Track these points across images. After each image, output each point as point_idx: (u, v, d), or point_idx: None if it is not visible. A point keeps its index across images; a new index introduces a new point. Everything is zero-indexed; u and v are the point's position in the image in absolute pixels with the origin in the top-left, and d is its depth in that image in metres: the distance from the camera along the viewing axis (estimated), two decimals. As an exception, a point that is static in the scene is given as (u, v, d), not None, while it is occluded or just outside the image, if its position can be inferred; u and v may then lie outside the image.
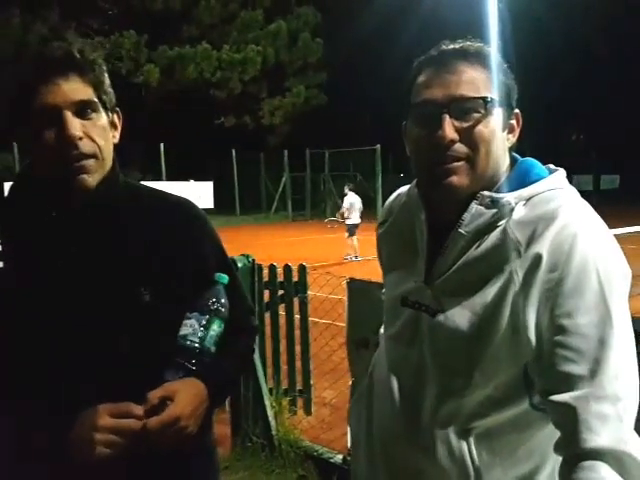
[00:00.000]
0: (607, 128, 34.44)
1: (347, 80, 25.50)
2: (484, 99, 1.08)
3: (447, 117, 1.08)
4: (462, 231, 1.11)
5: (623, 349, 0.99)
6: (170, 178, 20.03)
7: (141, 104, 21.04)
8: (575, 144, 34.78)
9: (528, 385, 1.08)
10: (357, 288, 2.70)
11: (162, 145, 19.45)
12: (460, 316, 1.10)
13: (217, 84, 22.35)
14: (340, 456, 3.17)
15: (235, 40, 22.51)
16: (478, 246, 1.10)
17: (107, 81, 1.20)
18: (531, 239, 1.03)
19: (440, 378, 1.14)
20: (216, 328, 1.22)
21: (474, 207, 1.10)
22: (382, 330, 1.52)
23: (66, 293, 1.16)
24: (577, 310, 0.99)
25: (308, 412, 3.64)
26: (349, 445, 2.68)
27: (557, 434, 1.05)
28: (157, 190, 1.37)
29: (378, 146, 21.87)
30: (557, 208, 1.05)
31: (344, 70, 24.88)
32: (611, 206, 23.04)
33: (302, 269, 3.48)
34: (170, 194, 1.35)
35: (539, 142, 29.50)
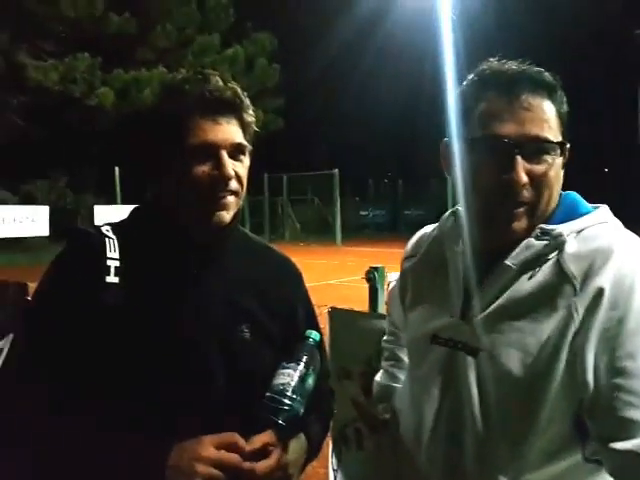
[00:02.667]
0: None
1: (304, 105, 25.76)
2: (560, 143, 1.05)
3: (519, 158, 1.02)
4: (509, 263, 1.05)
5: None
6: (126, 202, 19.72)
7: (94, 127, 20.73)
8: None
9: (582, 435, 1.02)
10: (339, 318, 2.62)
11: (117, 169, 19.13)
12: (509, 356, 1.02)
13: (174, 108, 22.01)
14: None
15: (192, 64, 22.45)
16: (527, 279, 1.04)
17: (253, 126, 1.26)
18: (588, 273, 0.99)
19: (486, 424, 1.05)
20: (310, 383, 1.19)
21: (525, 240, 1.06)
22: (385, 363, 1.47)
23: (174, 320, 1.17)
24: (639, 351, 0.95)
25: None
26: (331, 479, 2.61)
27: None
28: (265, 242, 1.47)
29: (336, 170, 22.03)
30: (612, 242, 1.01)
31: (301, 96, 25.15)
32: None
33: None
34: (275, 249, 1.45)
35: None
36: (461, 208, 1.17)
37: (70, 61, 20.45)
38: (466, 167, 1.09)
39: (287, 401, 1.14)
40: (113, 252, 1.18)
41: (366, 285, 2.53)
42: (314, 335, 1.26)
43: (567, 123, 1.08)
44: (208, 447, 1.05)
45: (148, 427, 1.08)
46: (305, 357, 1.21)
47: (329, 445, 2.66)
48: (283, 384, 1.15)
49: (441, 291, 1.17)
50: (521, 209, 1.04)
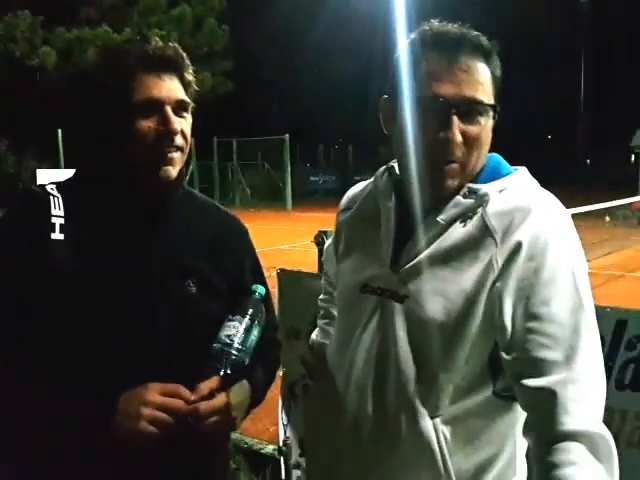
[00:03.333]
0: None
1: (255, 69, 25.33)
2: (493, 107, 1.11)
3: (455, 118, 1.08)
4: (438, 219, 1.13)
5: (593, 337, 1.04)
6: (69, 166, 19.16)
7: (36, 88, 19.96)
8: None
9: (493, 373, 1.11)
10: (288, 278, 2.70)
11: (59, 131, 18.52)
12: (433, 302, 1.10)
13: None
14: (271, 447, 3.14)
15: (137, 23, 21.79)
16: (452, 233, 1.12)
17: (194, 85, 1.29)
18: (508, 229, 1.07)
19: (407, 365, 1.13)
20: (256, 334, 1.25)
21: (455, 198, 1.12)
22: (320, 321, 1.55)
23: (119, 274, 1.21)
24: (552, 299, 1.03)
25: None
26: (281, 437, 2.70)
27: (514, 421, 1.12)
28: (211, 200, 1.51)
29: (286, 136, 21.90)
30: (530, 201, 1.09)
31: (251, 58, 24.69)
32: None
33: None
34: (221, 207, 1.49)
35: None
36: (396, 164, 1.24)
37: (10, 19, 19.67)
38: (404, 124, 1.13)
39: (232, 351, 1.20)
40: (58, 210, 1.21)
41: (316, 249, 2.58)
42: (260, 289, 1.32)
43: (499, 87, 1.14)
44: (153, 393, 1.11)
45: (97, 379, 1.13)
46: (251, 310, 1.26)
47: (279, 402, 2.74)
48: (229, 335, 1.22)
49: (373, 243, 1.23)
50: (453, 166, 1.10)
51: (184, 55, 1.26)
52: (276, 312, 2.74)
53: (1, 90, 19.37)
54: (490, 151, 1.18)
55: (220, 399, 1.17)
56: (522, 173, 1.19)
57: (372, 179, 1.33)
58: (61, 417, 1.12)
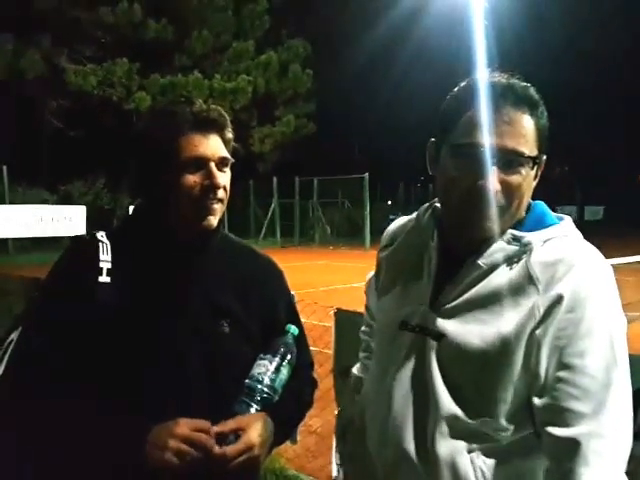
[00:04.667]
0: (591, 160, 34.95)
1: (336, 111, 25.80)
2: (533, 158, 1.13)
3: (495, 169, 1.10)
4: (480, 262, 1.15)
5: (624, 392, 1.06)
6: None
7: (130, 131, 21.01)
8: (560, 175, 35.25)
9: (533, 415, 1.11)
10: (344, 318, 2.75)
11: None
12: (470, 343, 1.12)
13: (208, 112, 22.10)
14: (325, 485, 3.11)
15: (226, 70, 22.61)
16: (494, 278, 1.14)
17: (233, 142, 1.42)
18: (551, 279, 1.09)
19: (444, 403, 1.14)
20: (285, 373, 1.32)
21: (498, 242, 1.15)
22: (361, 354, 1.57)
23: (157, 313, 1.31)
24: (587, 352, 1.05)
25: (294, 440, 3.62)
26: (334, 474, 2.70)
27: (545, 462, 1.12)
28: (248, 245, 1.61)
29: (366, 174, 22.03)
30: (574, 254, 1.12)
31: (333, 101, 25.17)
32: (595, 237, 23.15)
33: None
34: (258, 251, 1.59)
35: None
36: (439, 205, 1.27)
37: (109, 66, 20.81)
38: (447, 169, 1.16)
39: (262, 388, 1.27)
40: (105, 255, 1.33)
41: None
42: (292, 329, 1.40)
43: (545, 137, 1.16)
44: (182, 427, 1.18)
45: (132, 411, 1.21)
46: (282, 349, 1.34)
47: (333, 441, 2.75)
48: (259, 373, 1.29)
49: (413, 281, 1.25)
50: (492, 211, 1.13)
51: (226, 115, 1.38)
52: (332, 351, 2.77)
53: (99, 131, 20.68)
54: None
55: (244, 440, 1.22)
56: (567, 224, 1.20)
57: (414, 215, 1.36)
58: (94, 446, 1.20)
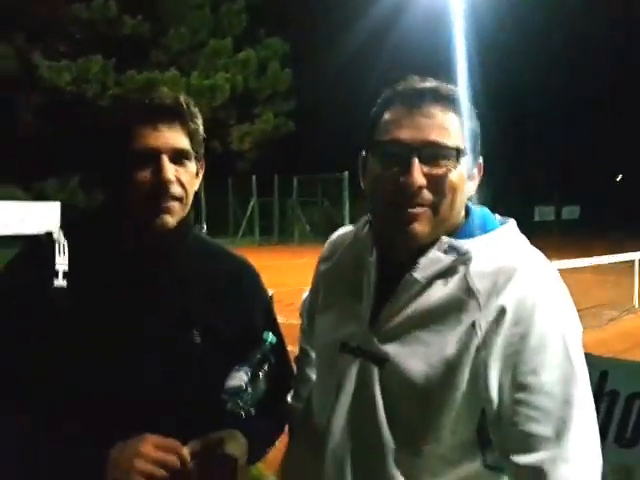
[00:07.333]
0: (569, 161, 35.36)
1: (315, 109, 25.73)
2: (457, 149, 1.06)
3: (416, 161, 1.04)
4: (417, 276, 1.06)
5: (587, 407, 0.98)
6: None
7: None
8: (538, 176, 35.65)
9: (483, 444, 1.04)
10: None
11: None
12: (414, 368, 1.04)
13: (185, 110, 22.03)
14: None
15: (204, 67, 22.53)
16: (433, 292, 1.06)
17: (201, 133, 1.29)
18: (492, 291, 1.01)
19: (389, 433, 1.06)
20: (262, 386, 1.22)
21: (432, 252, 1.07)
22: (295, 384, 1.46)
23: (122, 324, 1.20)
24: (542, 367, 0.97)
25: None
26: None
27: None
28: (222, 246, 1.48)
29: (346, 173, 22.04)
30: (516, 260, 1.04)
31: (312, 99, 25.11)
32: (572, 236, 23.42)
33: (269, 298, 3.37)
34: (233, 253, 1.46)
35: (503, 174, 30.13)
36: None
37: (83, 62, 20.56)
38: (369, 173, 1.12)
39: (237, 402, 1.17)
40: (62, 256, 1.22)
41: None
42: (270, 338, 1.28)
43: (474, 140, 1.11)
44: (149, 445, 1.09)
45: (92, 426, 1.12)
46: (258, 359, 1.23)
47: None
48: (234, 387, 1.18)
49: (352, 298, 1.16)
50: (421, 209, 1.05)
51: (188, 104, 1.25)
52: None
53: (73, 129, 20.38)
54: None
55: (216, 457, 1.14)
56: (508, 228, 1.12)
57: (353, 228, 1.29)
58: (51, 463, 1.11)
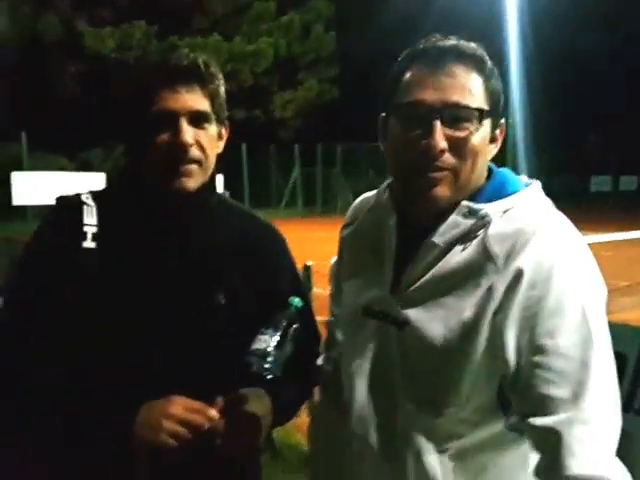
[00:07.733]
0: (627, 128, 33.96)
1: (361, 75, 25.21)
2: (480, 110, 1.06)
3: (438, 124, 1.04)
4: (436, 241, 1.08)
5: (605, 370, 0.98)
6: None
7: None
8: (594, 144, 34.37)
9: (504, 406, 1.06)
10: None
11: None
12: (433, 331, 1.06)
13: (228, 76, 21.65)
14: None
15: (247, 32, 22.39)
16: (452, 257, 1.07)
17: (223, 95, 1.29)
18: (510, 253, 1.01)
19: (412, 395, 1.10)
20: (289, 349, 1.22)
21: (451, 217, 1.08)
22: (324, 347, 1.47)
23: (148, 285, 1.23)
24: (558, 330, 0.98)
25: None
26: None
27: (526, 457, 1.05)
28: (248, 210, 1.50)
29: (391, 142, 21.61)
30: (536, 223, 1.04)
31: (357, 64, 24.65)
32: (628, 208, 22.56)
33: (306, 269, 3.53)
34: (258, 217, 1.47)
35: (555, 143, 29.09)
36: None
37: (126, 28, 20.70)
38: (390, 136, 1.11)
39: (263, 364, 1.16)
40: (90, 218, 1.24)
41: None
42: (296, 302, 1.26)
43: (497, 100, 1.10)
44: (177, 406, 1.12)
45: (119, 386, 1.15)
46: (284, 323, 1.22)
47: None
48: (259, 349, 1.17)
49: (374, 264, 1.19)
50: (442, 173, 1.06)
51: (208, 65, 1.24)
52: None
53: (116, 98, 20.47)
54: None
55: (241, 416, 1.17)
56: (531, 190, 1.11)
57: (374, 192, 1.29)
58: (83, 421, 1.14)
